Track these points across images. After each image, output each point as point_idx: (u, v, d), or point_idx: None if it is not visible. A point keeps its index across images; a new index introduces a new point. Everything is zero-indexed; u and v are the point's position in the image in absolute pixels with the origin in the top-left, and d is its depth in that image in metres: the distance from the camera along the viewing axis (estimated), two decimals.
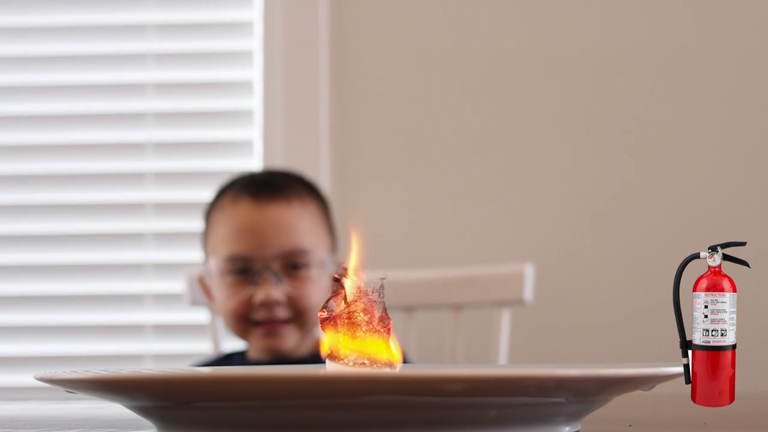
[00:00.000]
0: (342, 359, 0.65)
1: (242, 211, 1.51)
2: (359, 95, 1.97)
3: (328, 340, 0.67)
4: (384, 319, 0.67)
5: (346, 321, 0.66)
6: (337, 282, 0.68)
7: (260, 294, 1.47)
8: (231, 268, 1.49)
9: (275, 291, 1.47)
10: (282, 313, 1.48)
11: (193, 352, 1.95)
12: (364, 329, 0.66)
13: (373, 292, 0.67)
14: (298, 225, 1.51)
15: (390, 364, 0.66)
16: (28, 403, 1.05)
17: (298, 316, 1.49)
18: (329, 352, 0.66)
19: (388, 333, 0.67)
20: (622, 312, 1.90)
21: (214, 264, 1.51)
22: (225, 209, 1.53)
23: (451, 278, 1.69)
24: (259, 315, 1.48)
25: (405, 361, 1.57)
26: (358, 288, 0.68)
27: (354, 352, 0.65)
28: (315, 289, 1.50)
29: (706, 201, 1.91)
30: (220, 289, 1.52)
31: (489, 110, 1.96)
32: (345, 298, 0.67)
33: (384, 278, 0.67)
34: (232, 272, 1.49)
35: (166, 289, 1.98)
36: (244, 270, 1.49)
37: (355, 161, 1.97)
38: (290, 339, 1.50)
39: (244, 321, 1.50)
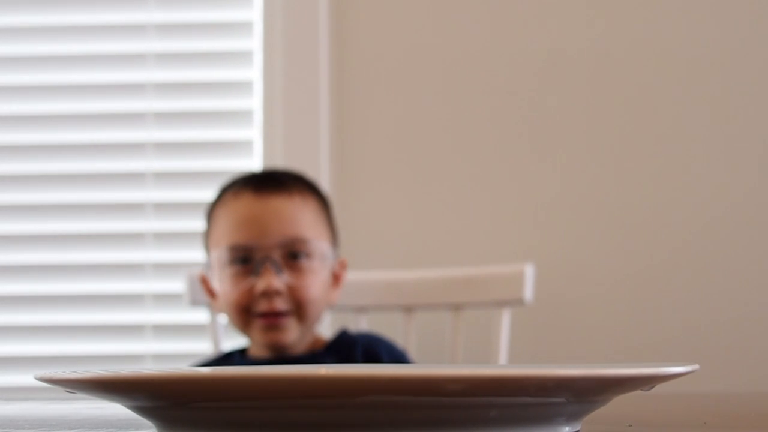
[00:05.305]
0: None
1: (244, 203, 1.52)
2: (359, 95, 1.97)
3: None
4: None
5: None
6: None
7: (261, 284, 1.48)
8: (232, 257, 1.50)
9: (276, 280, 1.48)
10: (282, 304, 1.48)
11: (193, 352, 1.95)
12: None
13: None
14: (299, 216, 1.52)
15: None
16: (28, 403, 1.04)
17: (299, 308, 1.50)
18: None
19: None
20: (622, 312, 1.90)
21: (216, 256, 1.52)
22: (227, 204, 1.54)
23: (451, 278, 1.69)
24: (261, 306, 1.49)
25: (405, 362, 1.57)
26: None
27: None
28: (315, 281, 1.50)
29: (706, 201, 1.91)
30: (221, 281, 1.52)
31: (489, 110, 1.96)
32: None
33: None
34: (233, 263, 1.50)
35: (166, 289, 1.98)
36: (245, 260, 1.50)
37: (355, 161, 1.96)
38: (291, 332, 1.50)
39: (245, 313, 1.50)
